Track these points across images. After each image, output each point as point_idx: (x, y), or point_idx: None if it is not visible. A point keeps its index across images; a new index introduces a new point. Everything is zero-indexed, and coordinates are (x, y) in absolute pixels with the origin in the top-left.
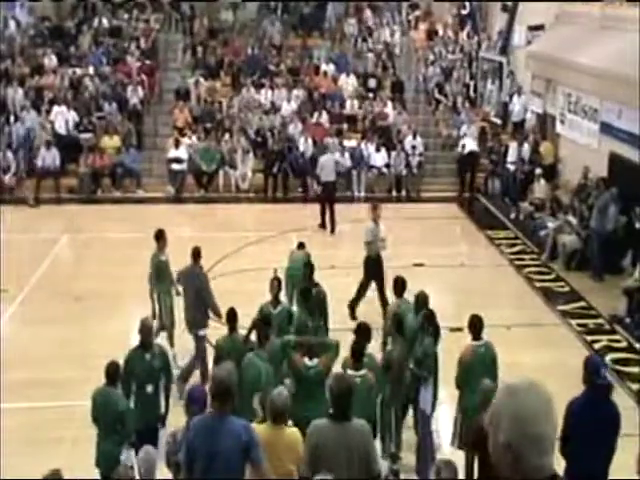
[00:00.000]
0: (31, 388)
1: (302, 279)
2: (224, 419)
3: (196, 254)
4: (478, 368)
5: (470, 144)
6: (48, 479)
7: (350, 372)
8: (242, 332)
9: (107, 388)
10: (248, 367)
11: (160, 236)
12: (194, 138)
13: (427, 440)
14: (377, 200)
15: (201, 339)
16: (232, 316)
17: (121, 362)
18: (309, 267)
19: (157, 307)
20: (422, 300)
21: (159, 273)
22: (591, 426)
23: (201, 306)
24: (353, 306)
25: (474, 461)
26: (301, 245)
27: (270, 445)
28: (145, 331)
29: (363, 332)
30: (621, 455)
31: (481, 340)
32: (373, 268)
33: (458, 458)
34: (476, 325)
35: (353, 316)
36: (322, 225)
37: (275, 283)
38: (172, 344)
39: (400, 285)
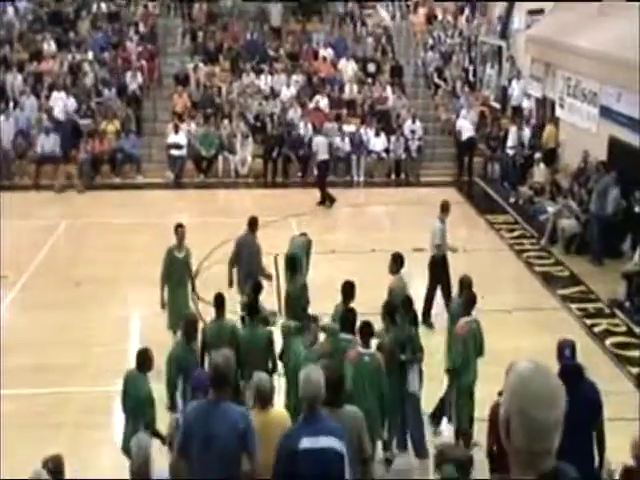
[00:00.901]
0: (31, 374)
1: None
2: (221, 405)
3: (253, 223)
4: (471, 344)
5: (467, 129)
6: (48, 464)
7: (360, 349)
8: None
9: (135, 373)
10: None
11: (176, 230)
12: (193, 125)
13: (419, 421)
14: (376, 185)
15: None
16: (219, 301)
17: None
18: (291, 267)
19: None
20: (466, 284)
21: (170, 269)
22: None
23: (251, 270)
24: (426, 313)
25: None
26: (303, 235)
27: (261, 430)
28: (191, 324)
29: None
30: (621, 439)
31: (472, 316)
32: (439, 270)
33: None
34: (470, 301)
35: (429, 323)
36: (322, 202)
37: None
38: None
39: (398, 262)
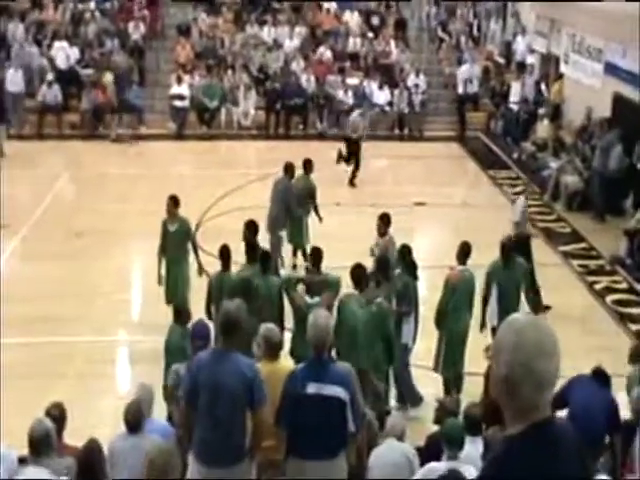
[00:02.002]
0: (33, 323)
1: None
2: (229, 355)
3: (287, 168)
4: (463, 293)
5: (466, 83)
6: (51, 412)
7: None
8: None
9: (173, 324)
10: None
11: (169, 201)
12: (196, 76)
13: (405, 372)
14: (379, 138)
15: (279, 238)
16: (225, 253)
17: None
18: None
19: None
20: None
21: (165, 243)
22: (581, 403)
23: (283, 209)
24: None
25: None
26: (307, 163)
27: (269, 380)
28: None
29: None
30: (621, 395)
31: (466, 265)
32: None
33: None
34: (465, 251)
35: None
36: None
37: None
38: None
39: (386, 223)
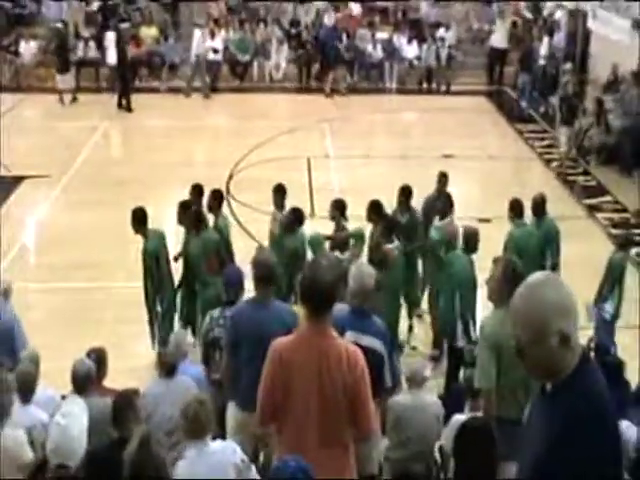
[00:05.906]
0: (73, 270)
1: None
2: (268, 304)
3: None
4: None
5: (499, 39)
6: (91, 356)
7: (390, 245)
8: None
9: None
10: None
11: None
12: (231, 32)
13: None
14: (408, 92)
15: None
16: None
17: None
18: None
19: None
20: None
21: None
22: None
23: None
24: None
25: None
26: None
27: None
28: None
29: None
30: None
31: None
32: None
33: None
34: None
35: None
36: None
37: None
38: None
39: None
